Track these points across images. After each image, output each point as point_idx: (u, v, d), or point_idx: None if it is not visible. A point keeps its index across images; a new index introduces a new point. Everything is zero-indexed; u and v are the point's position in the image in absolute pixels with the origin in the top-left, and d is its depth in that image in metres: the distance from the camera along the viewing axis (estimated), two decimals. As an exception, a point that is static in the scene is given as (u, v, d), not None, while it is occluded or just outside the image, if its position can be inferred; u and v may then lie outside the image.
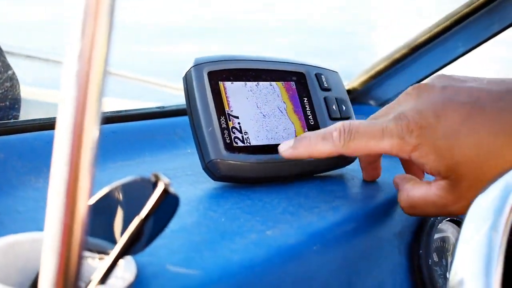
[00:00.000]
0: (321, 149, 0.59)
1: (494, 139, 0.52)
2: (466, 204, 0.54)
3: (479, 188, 0.53)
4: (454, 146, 0.53)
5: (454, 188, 0.54)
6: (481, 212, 0.36)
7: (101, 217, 0.41)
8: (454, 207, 0.55)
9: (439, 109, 0.54)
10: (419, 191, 0.57)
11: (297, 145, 0.60)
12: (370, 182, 0.67)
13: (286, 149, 0.61)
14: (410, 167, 0.65)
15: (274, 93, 0.68)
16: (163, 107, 0.84)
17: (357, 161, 0.70)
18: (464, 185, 0.53)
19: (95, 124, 0.27)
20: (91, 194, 0.29)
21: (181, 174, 0.66)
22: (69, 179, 0.28)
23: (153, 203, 0.38)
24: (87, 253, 0.42)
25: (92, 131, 0.27)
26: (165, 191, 0.38)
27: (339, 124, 0.58)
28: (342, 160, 0.69)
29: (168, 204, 0.40)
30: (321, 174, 0.68)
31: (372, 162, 0.66)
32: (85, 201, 0.29)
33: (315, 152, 0.59)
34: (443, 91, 0.55)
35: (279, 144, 0.65)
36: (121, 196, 0.40)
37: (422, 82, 0.58)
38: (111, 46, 0.27)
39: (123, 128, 0.75)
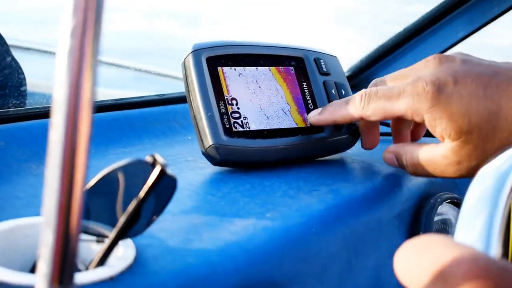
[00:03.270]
0: (344, 113, 0.63)
1: (509, 109, 0.55)
2: (467, 167, 0.57)
3: (481, 153, 0.56)
4: (468, 110, 0.55)
5: (460, 150, 0.57)
6: (487, 176, 0.36)
7: (99, 200, 0.41)
8: (456, 168, 0.57)
9: (458, 77, 0.56)
10: (424, 152, 0.60)
11: (323, 111, 0.65)
12: (369, 149, 0.68)
13: (313, 116, 0.66)
14: (401, 137, 0.67)
15: (272, 78, 0.69)
16: (163, 94, 0.85)
17: (356, 145, 0.70)
18: (469, 148, 0.56)
19: (89, 104, 0.28)
20: (87, 173, 0.29)
21: (181, 160, 0.66)
22: (65, 159, 0.28)
23: (150, 184, 0.38)
24: (87, 237, 0.43)
25: (86, 112, 0.28)
26: (162, 172, 0.38)
27: (362, 90, 0.62)
28: (341, 145, 0.69)
29: (166, 185, 0.40)
30: (321, 159, 0.69)
31: (370, 127, 0.67)
32: (81, 181, 0.29)
33: (338, 117, 0.64)
34: (464, 63, 0.58)
35: (278, 128, 0.65)
36: (119, 179, 0.41)
37: (443, 54, 0.60)
38: (102, 24, 0.27)
39: (124, 116, 0.76)
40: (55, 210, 0.28)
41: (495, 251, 0.32)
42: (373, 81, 0.65)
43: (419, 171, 0.61)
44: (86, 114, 0.27)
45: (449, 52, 1.02)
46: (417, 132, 0.69)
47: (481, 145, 0.55)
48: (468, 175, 0.58)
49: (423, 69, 0.59)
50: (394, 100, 0.58)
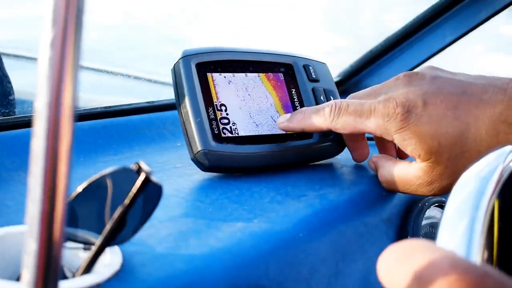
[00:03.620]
0: (313, 123, 0.62)
1: (477, 129, 0.55)
2: (439, 186, 0.57)
3: (452, 173, 0.56)
4: (438, 132, 0.56)
5: (430, 170, 0.57)
6: (468, 181, 0.36)
7: (86, 207, 0.41)
8: (428, 188, 0.58)
9: (428, 98, 0.57)
10: (398, 170, 0.60)
11: (292, 118, 0.64)
12: (360, 162, 0.69)
13: (282, 122, 0.65)
14: (385, 149, 0.68)
15: (261, 85, 0.69)
16: (153, 101, 0.85)
17: (344, 151, 0.70)
18: (440, 169, 0.57)
19: (70, 113, 0.28)
20: (70, 181, 0.29)
21: (170, 166, 0.66)
22: (47, 167, 0.28)
23: (135, 192, 0.38)
24: (74, 244, 0.43)
25: (67, 121, 0.28)
26: (147, 180, 0.38)
27: (332, 101, 0.61)
28: (329, 151, 0.69)
29: (151, 193, 0.40)
30: (310, 164, 0.69)
31: (358, 141, 0.68)
32: (63, 189, 0.29)
33: (307, 126, 0.63)
34: (433, 81, 0.58)
35: (266, 135, 0.66)
36: (105, 187, 0.41)
37: (413, 71, 0.61)
38: (83, 33, 0.27)
39: (113, 123, 0.76)
40: (38, 219, 0.29)
41: (477, 255, 0.32)
42: (348, 96, 0.65)
43: (393, 187, 0.62)
44: (68, 123, 0.28)
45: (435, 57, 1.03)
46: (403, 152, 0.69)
47: (450, 166, 0.56)
48: (441, 194, 0.59)
49: (393, 87, 0.59)
50: (365, 118, 0.59)
